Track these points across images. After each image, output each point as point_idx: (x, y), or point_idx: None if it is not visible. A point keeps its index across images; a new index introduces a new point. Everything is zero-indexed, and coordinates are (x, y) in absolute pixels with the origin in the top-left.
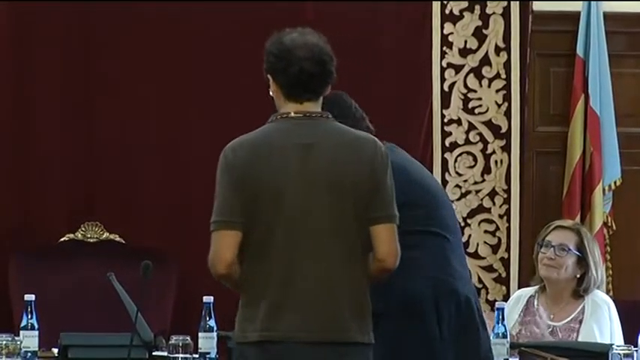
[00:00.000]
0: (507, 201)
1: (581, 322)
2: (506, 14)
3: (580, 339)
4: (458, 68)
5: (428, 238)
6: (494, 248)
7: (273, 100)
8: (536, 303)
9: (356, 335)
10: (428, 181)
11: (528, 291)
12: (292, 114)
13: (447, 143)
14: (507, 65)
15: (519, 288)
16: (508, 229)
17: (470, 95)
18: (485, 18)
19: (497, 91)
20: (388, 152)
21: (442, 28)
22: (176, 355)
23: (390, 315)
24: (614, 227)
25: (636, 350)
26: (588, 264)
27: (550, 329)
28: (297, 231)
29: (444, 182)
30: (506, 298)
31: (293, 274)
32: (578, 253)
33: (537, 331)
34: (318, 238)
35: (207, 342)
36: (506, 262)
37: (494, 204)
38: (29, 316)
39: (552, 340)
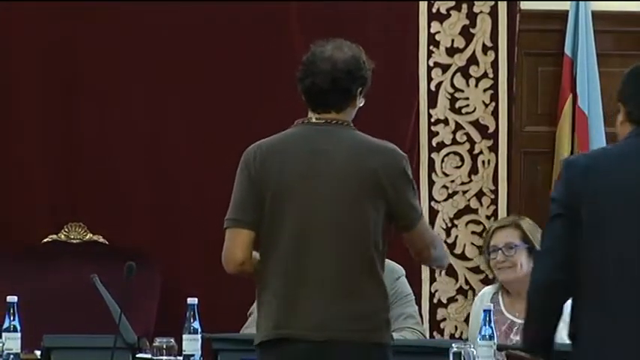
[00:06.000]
0: (495, 202)
1: None
2: (493, 13)
3: None
4: (445, 67)
5: None
6: (482, 250)
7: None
8: (500, 301)
9: (368, 335)
10: None
11: (490, 289)
12: (314, 119)
13: (433, 143)
14: (495, 64)
15: None
16: None
17: (457, 95)
18: (472, 17)
19: (485, 90)
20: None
21: (429, 27)
22: (160, 358)
23: None
24: None
25: None
26: None
27: (517, 327)
28: (306, 232)
29: (431, 183)
30: None
31: (303, 275)
32: (525, 244)
33: (502, 329)
34: (328, 238)
35: (192, 344)
36: None
37: (481, 205)
38: (12, 318)
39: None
